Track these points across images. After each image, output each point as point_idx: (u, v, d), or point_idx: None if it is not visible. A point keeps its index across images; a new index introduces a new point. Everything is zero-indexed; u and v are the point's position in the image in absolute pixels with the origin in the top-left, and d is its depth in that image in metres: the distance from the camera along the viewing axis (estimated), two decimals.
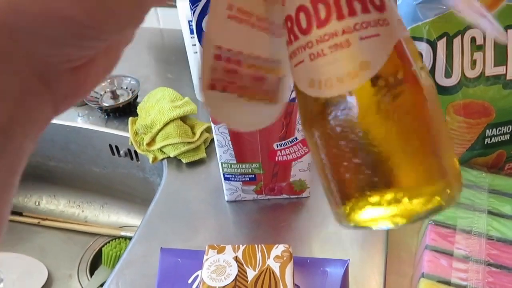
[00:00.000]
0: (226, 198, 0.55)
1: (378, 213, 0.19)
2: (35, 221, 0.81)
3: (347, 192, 0.19)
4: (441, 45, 0.45)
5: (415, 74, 0.18)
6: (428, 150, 0.19)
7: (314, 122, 0.19)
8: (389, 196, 0.18)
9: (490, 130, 0.48)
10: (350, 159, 0.19)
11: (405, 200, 0.18)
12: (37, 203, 0.85)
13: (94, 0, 0.15)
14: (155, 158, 0.62)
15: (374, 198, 0.18)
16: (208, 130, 0.63)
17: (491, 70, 0.45)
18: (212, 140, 0.64)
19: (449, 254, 0.41)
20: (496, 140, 0.48)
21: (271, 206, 0.54)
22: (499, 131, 0.48)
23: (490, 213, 0.44)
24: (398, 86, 0.18)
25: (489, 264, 0.40)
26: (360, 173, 0.19)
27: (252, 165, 0.49)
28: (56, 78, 0.17)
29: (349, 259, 0.40)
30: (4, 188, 0.17)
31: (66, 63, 0.17)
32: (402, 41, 0.18)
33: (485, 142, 0.48)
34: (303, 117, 0.20)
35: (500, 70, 0.45)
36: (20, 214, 0.82)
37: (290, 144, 0.47)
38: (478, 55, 0.45)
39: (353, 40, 0.18)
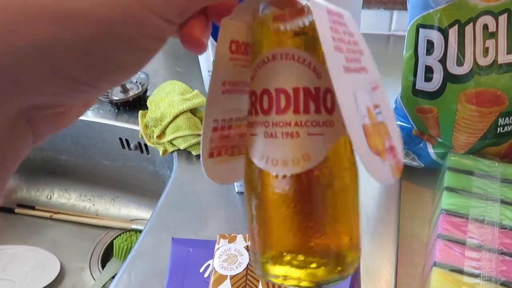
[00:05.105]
0: (236, 189, 0.55)
1: (285, 272, 0.22)
2: (47, 214, 0.82)
3: (263, 248, 0.23)
4: (453, 32, 0.44)
5: (342, 173, 0.22)
6: (339, 230, 0.22)
7: (253, 183, 0.22)
8: (296, 259, 0.22)
9: (503, 119, 0.47)
10: (273, 224, 0.22)
11: (310, 265, 0.22)
12: (49, 197, 0.86)
13: (99, 62, 0.17)
14: (165, 151, 0.62)
15: (284, 258, 0.22)
16: None
17: (504, 57, 0.45)
18: None
19: (461, 243, 0.41)
20: (509, 129, 0.48)
21: None
22: (511, 120, 0.47)
23: (503, 202, 0.44)
24: (327, 180, 0.22)
25: (502, 253, 0.39)
26: (278, 236, 0.22)
27: None
28: (41, 119, 0.18)
29: None
30: None
31: (53, 108, 0.18)
32: (340, 142, 0.22)
33: (498, 131, 0.48)
34: (247, 176, 0.23)
35: None
36: (33, 208, 0.83)
37: None
38: (490, 43, 0.44)
39: (301, 134, 0.21)
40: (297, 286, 0.22)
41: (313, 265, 0.22)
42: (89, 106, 0.22)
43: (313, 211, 0.22)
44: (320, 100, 0.21)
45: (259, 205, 0.23)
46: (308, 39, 0.22)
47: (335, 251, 0.22)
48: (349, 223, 0.23)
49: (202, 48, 0.21)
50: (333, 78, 0.19)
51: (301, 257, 0.22)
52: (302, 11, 0.22)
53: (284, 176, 0.21)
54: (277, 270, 0.22)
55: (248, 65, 0.24)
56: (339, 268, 0.22)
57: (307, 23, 0.21)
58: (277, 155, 0.21)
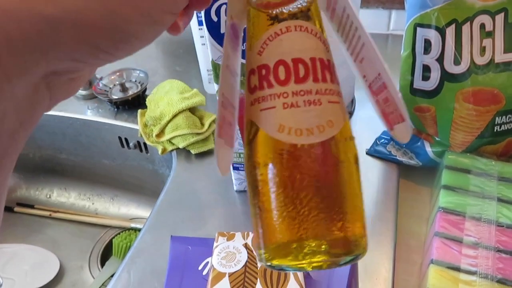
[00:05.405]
0: (235, 188, 0.55)
1: (294, 259, 0.21)
2: (47, 213, 0.82)
3: (286, 233, 0.21)
4: (450, 32, 0.44)
5: (353, 142, 0.23)
6: (358, 206, 0.22)
7: (271, 162, 0.21)
8: (307, 245, 0.21)
9: (500, 117, 0.47)
10: (291, 202, 0.21)
11: (322, 250, 0.21)
12: (48, 196, 0.86)
13: (120, 32, 0.18)
14: (164, 150, 0.62)
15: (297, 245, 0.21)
16: None
17: (501, 56, 0.45)
18: None
19: (458, 241, 0.41)
20: (506, 128, 0.48)
21: None
22: (508, 119, 0.48)
23: (500, 200, 0.44)
24: (348, 143, 0.22)
25: (499, 251, 0.40)
26: (295, 217, 0.21)
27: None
28: (58, 85, 0.20)
29: None
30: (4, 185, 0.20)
31: (70, 73, 0.20)
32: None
33: (495, 130, 0.48)
34: (258, 156, 0.22)
35: (510, 56, 0.45)
36: (32, 206, 0.83)
37: None
38: (487, 42, 0.45)
39: (323, 101, 0.21)
40: (320, 267, 0.21)
41: (340, 247, 0.21)
42: (92, 74, 0.23)
43: (340, 181, 0.21)
44: (332, 71, 0.22)
45: (278, 185, 0.21)
46: (313, 15, 0.22)
47: (359, 223, 0.22)
48: (362, 197, 0.23)
49: (176, 30, 0.23)
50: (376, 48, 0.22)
51: (310, 243, 0.21)
52: None
53: (311, 145, 0.21)
54: (284, 257, 0.21)
55: (236, 47, 0.24)
56: (363, 242, 0.22)
57: (307, 3, 0.22)
58: (301, 124, 0.21)
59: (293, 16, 0.22)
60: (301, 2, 0.22)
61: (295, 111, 0.21)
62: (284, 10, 0.22)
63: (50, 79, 0.19)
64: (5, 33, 0.16)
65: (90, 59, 0.19)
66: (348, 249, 0.21)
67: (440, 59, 0.46)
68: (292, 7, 0.22)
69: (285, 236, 0.21)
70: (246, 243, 0.41)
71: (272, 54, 0.21)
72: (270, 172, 0.21)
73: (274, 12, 0.22)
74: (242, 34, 0.25)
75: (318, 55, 0.21)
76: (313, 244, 0.21)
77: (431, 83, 0.48)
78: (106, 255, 0.76)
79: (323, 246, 0.21)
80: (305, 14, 0.22)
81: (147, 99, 0.66)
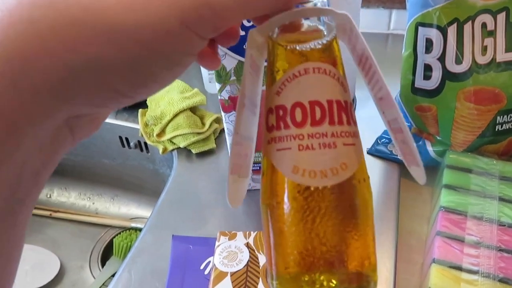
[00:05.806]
0: None
1: None
2: (47, 213, 0.82)
3: (298, 268, 0.22)
4: (452, 31, 0.44)
5: (367, 183, 0.23)
6: (370, 243, 0.23)
7: (285, 201, 0.22)
8: (319, 279, 0.21)
9: (501, 117, 0.47)
10: (303, 240, 0.21)
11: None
12: (48, 196, 0.86)
13: (140, 76, 0.19)
14: (165, 149, 0.62)
15: (306, 278, 0.21)
16: (218, 120, 0.63)
17: (502, 56, 0.45)
18: (222, 130, 0.64)
19: (460, 240, 0.41)
20: (507, 127, 0.48)
21: None
22: (510, 118, 0.48)
23: (501, 199, 0.44)
24: (362, 185, 0.22)
25: (501, 250, 0.40)
26: (307, 254, 0.21)
27: (262, 154, 0.49)
28: (80, 126, 0.20)
29: None
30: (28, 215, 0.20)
31: (91, 116, 0.20)
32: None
33: (496, 129, 0.48)
34: (272, 193, 0.22)
35: (511, 56, 0.45)
36: None
37: None
38: (489, 41, 0.45)
39: (338, 144, 0.21)
40: None
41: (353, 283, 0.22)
42: (111, 112, 0.24)
43: (352, 222, 0.22)
44: (349, 112, 0.22)
45: (290, 224, 0.22)
46: (332, 56, 0.23)
47: (369, 260, 0.22)
48: (374, 233, 0.23)
49: (215, 63, 0.23)
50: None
51: (341, 270, 0.21)
52: (318, 30, 0.23)
53: (325, 187, 0.21)
54: None
55: (256, 81, 0.24)
56: (375, 277, 0.22)
57: (327, 42, 0.22)
58: (315, 167, 0.21)
59: (312, 54, 0.22)
60: (321, 40, 0.22)
61: (309, 154, 0.21)
62: (304, 48, 0.22)
63: (72, 122, 0.19)
64: (30, 81, 0.16)
65: (111, 104, 0.19)
66: (359, 285, 0.22)
67: (442, 58, 0.46)
68: (312, 45, 0.22)
69: (296, 270, 0.22)
70: (247, 243, 0.41)
71: (290, 95, 0.22)
72: (283, 211, 0.22)
73: (292, 48, 0.22)
74: (263, 71, 0.25)
75: (335, 97, 0.22)
76: (323, 279, 0.21)
77: (433, 82, 0.48)
78: (106, 255, 0.76)
79: (333, 281, 0.21)
80: (324, 52, 0.22)
81: (148, 99, 0.65)
